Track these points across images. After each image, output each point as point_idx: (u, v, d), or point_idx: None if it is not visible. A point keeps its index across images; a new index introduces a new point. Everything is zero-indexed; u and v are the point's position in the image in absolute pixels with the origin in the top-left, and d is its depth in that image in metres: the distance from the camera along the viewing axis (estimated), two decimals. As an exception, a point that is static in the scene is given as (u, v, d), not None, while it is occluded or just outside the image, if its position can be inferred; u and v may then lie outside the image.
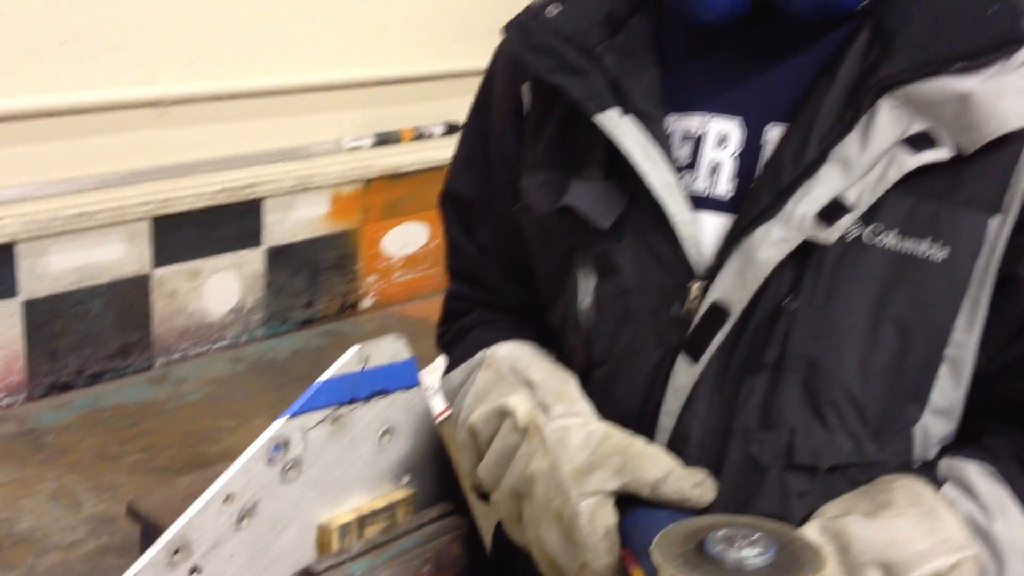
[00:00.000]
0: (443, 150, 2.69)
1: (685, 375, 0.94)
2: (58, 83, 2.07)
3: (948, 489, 0.90)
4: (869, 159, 0.89)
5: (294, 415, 1.07)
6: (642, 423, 0.97)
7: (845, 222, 0.88)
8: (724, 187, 0.96)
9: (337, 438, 1.09)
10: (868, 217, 0.90)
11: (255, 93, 2.39)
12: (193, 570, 0.95)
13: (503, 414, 0.99)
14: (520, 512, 0.96)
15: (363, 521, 1.09)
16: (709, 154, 0.98)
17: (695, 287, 0.94)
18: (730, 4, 0.93)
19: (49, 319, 2.07)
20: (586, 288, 1.02)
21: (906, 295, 0.90)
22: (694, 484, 0.90)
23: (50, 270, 2.06)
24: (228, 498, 1.00)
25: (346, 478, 1.10)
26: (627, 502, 0.91)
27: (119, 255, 2.16)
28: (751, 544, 0.77)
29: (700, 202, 0.97)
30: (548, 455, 0.93)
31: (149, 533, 0.96)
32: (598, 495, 0.91)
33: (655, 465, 0.92)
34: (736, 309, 0.91)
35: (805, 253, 0.90)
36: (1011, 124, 0.87)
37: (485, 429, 1.00)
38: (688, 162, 0.98)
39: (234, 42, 2.33)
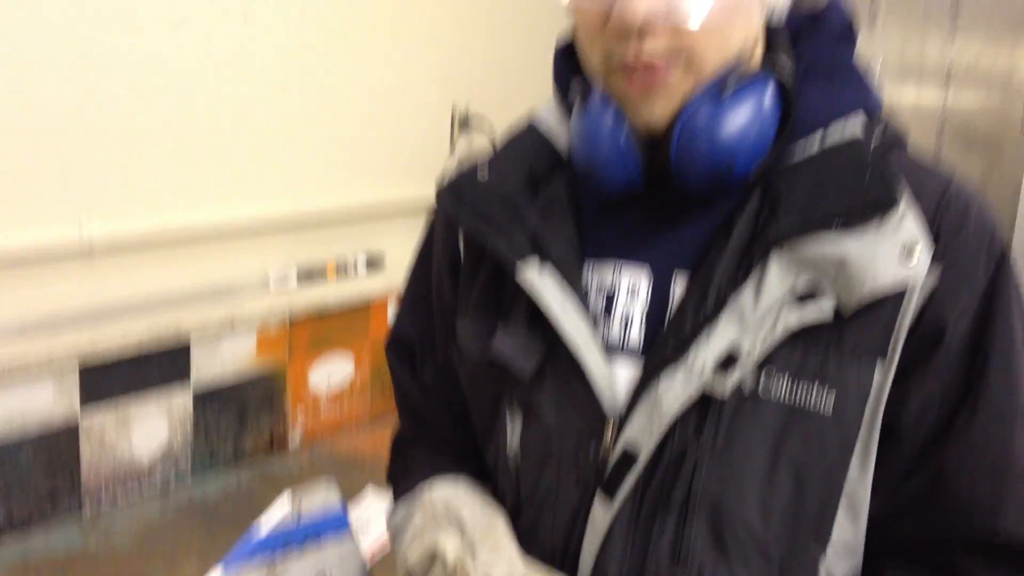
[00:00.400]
0: (366, 285, 2.76)
1: (602, 515, 1.01)
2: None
3: None
4: (762, 311, 0.95)
5: (230, 566, 1.11)
6: (565, 562, 1.04)
7: (738, 373, 0.95)
8: (635, 335, 1.04)
9: (272, 583, 1.12)
10: (762, 368, 0.96)
11: (181, 233, 2.43)
12: None
13: (434, 556, 1.04)
14: None
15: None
16: (622, 305, 1.06)
17: (608, 431, 1.01)
18: (625, 181, 1.02)
19: (-24, 469, 2.04)
20: (513, 430, 1.10)
21: (799, 444, 0.96)
22: None
23: (-23, 420, 2.04)
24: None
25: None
26: None
27: (48, 402, 2.14)
28: None
29: (614, 350, 1.05)
30: None
31: None
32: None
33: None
34: (644, 452, 0.98)
35: (707, 400, 0.97)
36: (884, 286, 0.94)
37: (419, 571, 1.06)
38: (603, 312, 1.07)
39: (160, 183, 2.37)
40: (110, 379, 2.25)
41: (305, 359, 2.66)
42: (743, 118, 0.97)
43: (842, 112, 1.01)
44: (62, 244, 2.21)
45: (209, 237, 2.49)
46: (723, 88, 0.97)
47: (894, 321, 0.95)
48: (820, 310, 0.95)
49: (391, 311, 2.86)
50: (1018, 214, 2.35)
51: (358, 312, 2.77)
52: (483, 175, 1.13)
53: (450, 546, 1.05)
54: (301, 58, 2.58)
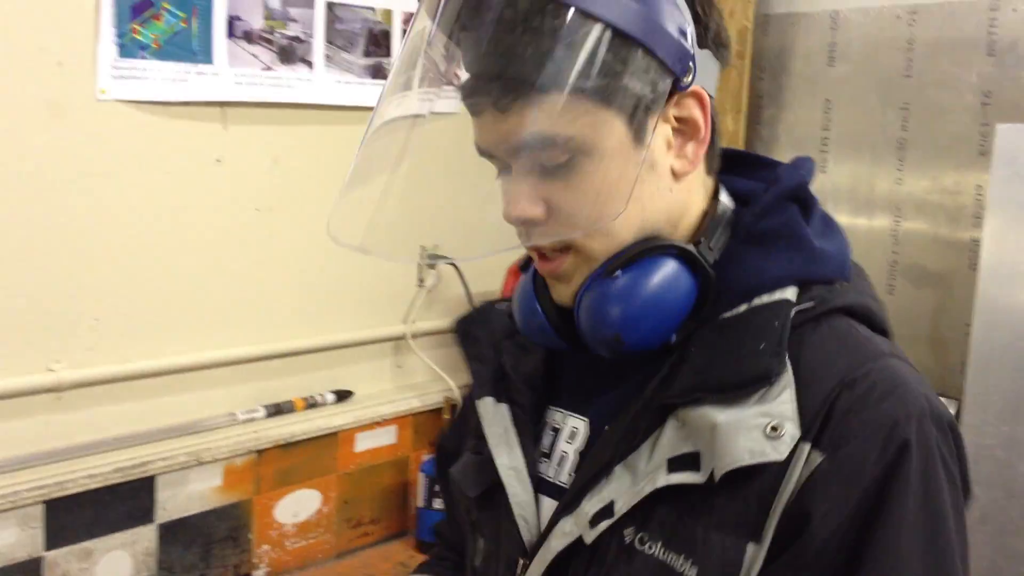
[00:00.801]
0: (334, 418, 2.81)
1: None
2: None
3: None
4: (650, 470, 0.98)
5: None
6: None
7: (603, 526, 0.99)
8: (566, 476, 1.11)
9: None
10: (640, 524, 0.99)
11: (149, 374, 2.49)
12: None
13: None
14: None
15: None
16: (561, 446, 1.13)
17: (520, 564, 1.08)
18: (547, 344, 1.12)
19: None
20: (476, 548, 1.20)
21: None
22: None
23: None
24: None
25: None
26: None
27: (11, 540, 2.17)
28: None
29: (546, 487, 1.13)
30: None
31: None
32: None
33: None
34: None
35: (592, 549, 1.01)
36: (742, 460, 0.92)
37: None
38: (547, 451, 1.14)
39: (129, 326, 2.45)
40: (74, 517, 2.28)
41: (272, 492, 2.69)
42: (627, 294, 1.00)
43: (773, 280, 1.00)
44: (31, 386, 2.27)
45: (177, 376, 2.55)
46: (608, 271, 1.01)
47: (769, 503, 0.92)
48: (686, 476, 0.95)
49: (358, 443, 2.91)
50: (970, 348, 2.41)
51: (326, 443, 2.82)
52: (502, 307, 1.25)
53: None
54: (271, 202, 2.69)
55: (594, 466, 1.04)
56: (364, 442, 2.94)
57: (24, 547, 2.19)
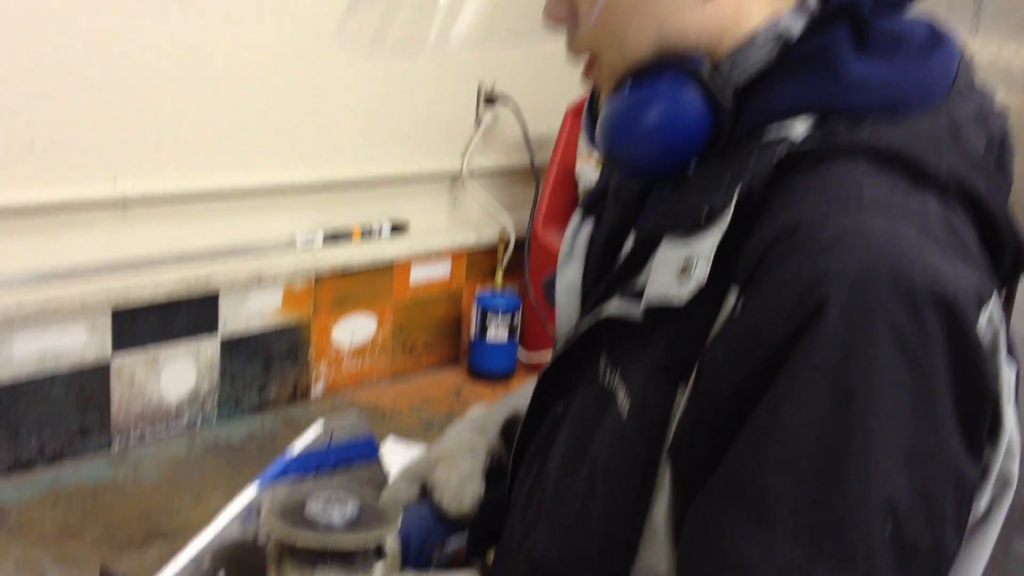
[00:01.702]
0: (389, 248, 2.85)
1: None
2: (27, 182, 2.20)
3: None
4: (640, 285, 0.94)
5: (265, 484, 1.20)
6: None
7: (563, 347, 1.05)
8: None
9: (303, 504, 1.21)
10: (612, 356, 0.97)
11: (213, 193, 2.53)
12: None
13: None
14: None
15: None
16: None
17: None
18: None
19: (11, 402, 2.15)
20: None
21: (600, 439, 0.95)
22: (451, 498, 1.18)
23: (13, 357, 2.15)
24: (206, 555, 1.12)
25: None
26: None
27: (81, 343, 2.25)
28: (340, 506, 1.00)
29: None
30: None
31: None
32: (414, 478, 1.23)
33: (445, 471, 1.21)
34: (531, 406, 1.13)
35: (574, 369, 1.05)
36: (650, 300, 0.88)
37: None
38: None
39: (193, 145, 2.47)
40: (141, 325, 2.36)
41: (329, 315, 2.75)
42: (616, 114, 0.95)
43: (782, 109, 0.90)
44: (97, 198, 2.32)
45: (239, 198, 2.59)
46: (616, 86, 0.98)
47: (698, 346, 0.85)
48: (629, 308, 0.92)
49: (413, 274, 2.95)
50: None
51: (382, 272, 2.86)
52: None
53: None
54: (333, 28, 2.68)
55: (600, 290, 1.03)
56: (419, 274, 2.98)
57: (93, 350, 2.27)
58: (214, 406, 2.54)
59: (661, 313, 0.87)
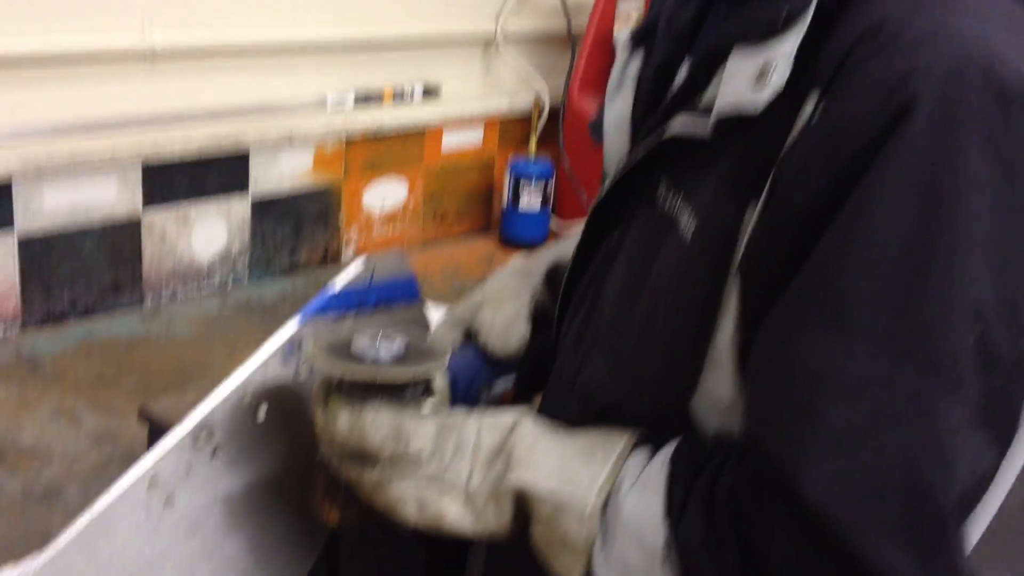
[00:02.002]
0: (421, 112, 2.78)
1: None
2: (53, 29, 2.13)
3: (633, 453, 0.87)
4: (708, 100, 0.88)
5: (306, 319, 1.16)
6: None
7: (627, 164, 0.97)
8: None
9: (346, 343, 1.18)
10: (671, 176, 0.92)
11: (243, 48, 2.46)
12: (214, 453, 1.04)
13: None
14: None
15: (370, 419, 1.18)
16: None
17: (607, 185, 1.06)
18: None
19: (43, 254, 2.13)
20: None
21: (662, 264, 0.90)
22: (497, 338, 1.14)
23: (45, 208, 2.12)
24: (248, 388, 1.09)
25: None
26: None
27: (111, 197, 2.22)
28: (388, 342, 0.94)
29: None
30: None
31: (158, 436, 1.05)
32: (457, 321, 1.19)
33: (490, 313, 1.16)
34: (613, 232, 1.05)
35: (630, 198, 0.99)
36: (723, 110, 0.83)
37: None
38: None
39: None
40: (171, 181, 2.32)
41: (360, 179, 2.71)
42: None
43: None
44: (125, 48, 2.25)
45: (270, 54, 2.52)
46: None
47: (772, 157, 0.80)
48: (696, 125, 0.87)
49: (445, 140, 2.89)
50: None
51: (413, 137, 2.80)
52: None
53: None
54: None
55: (657, 116, 0.96)
56: (451, 140, 2.92)
57: (124, 205, 2.24)
58: (245, 267, 2.51)
59: (732, 126, 0.83)
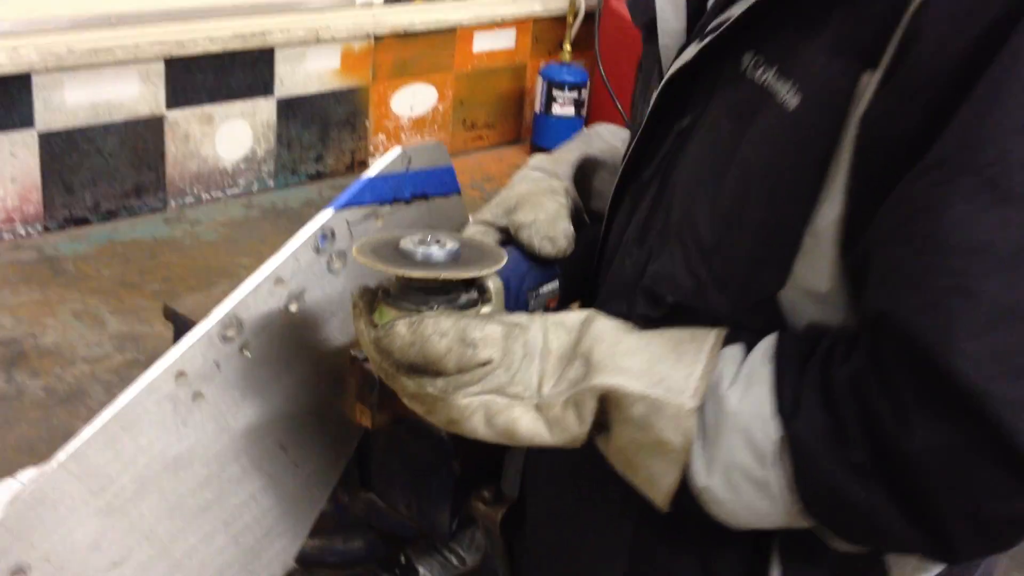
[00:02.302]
0: (453, 13, 2.68)
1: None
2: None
3: (725, 349, 0.81)
4: None
5: (340, 208, 1.10)
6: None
7: (710, 39, 0.85)
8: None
9: (381, 236, 1.11)
10: (758, 46, 0.84)
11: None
12: (243, 348, 0.98)
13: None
14: None
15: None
16: None
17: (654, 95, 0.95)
18: None
19: (64, 152, 2.07)
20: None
21: (756, 139, 0.84)
22: (543, 236, 0.98)
23: (66, 104, 2.06)
24: (278, 281, 1.03)
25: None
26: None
27: (134, 94, 2.15)
28: (438, 244, 0.84)
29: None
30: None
31: (183, 335, 0.99)
32: (487, 225, 1.01)
33: (530, 211, 1.01)
34: (642, 119, 0.93)
35: (702, 79, 0.90)
36: None
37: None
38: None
39: None
40: (195, 79, 2.25)
41: (388, 83, 2.63)
42: None
43: None
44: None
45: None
46: None
47: (892, 23, 0.75)
48: None
49: (476, 43, 2.79)
50: None
51: (444, 38, 2.71)
52: None
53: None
54: None
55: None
56: (482, 42, 2.82)
57: (147, 103, 2.17)
58: (271, 172, 2.45)
59: None
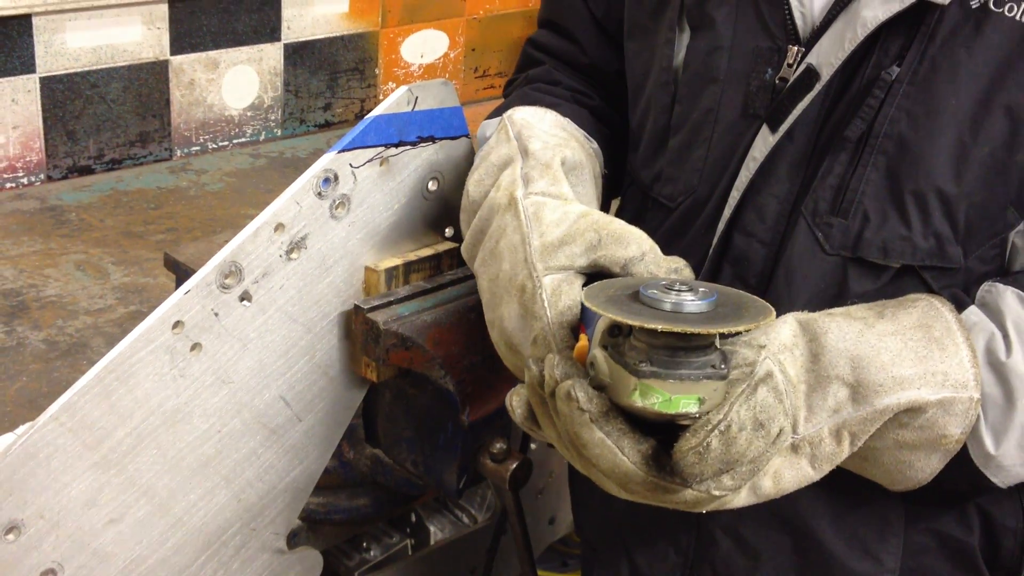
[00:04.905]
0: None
1: (762, 146, 0.88)
2: None
3: (970, 313, 0.79)
4: None
5: (343, 150, 1.06)
6: (712, 196, 0.93)
7: None
8: None
9: (385, 180, 1.07)
10: None
11: None
12: (243, 297, 0.95)
13: (492, 183, 0.95)
14: (482, 291, 0.91)
15: (409, 267, 1.09)
16: None
17: (793, 52, 0.88)
18: None
19: (67, 99, 2.04)
20: (680, 44, 0.97)
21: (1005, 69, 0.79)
22: (671, 268, 0.84)
23: (68, 48, 2.02)
24: (279, 227, 0.99)
25: (392, 223, 1.09)
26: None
27: (137, 38, 2.11)
28: (691, 292, 0.71)
29: None
30: (520, 230, 0.87)
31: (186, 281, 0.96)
32: (566, 271, 0.85)
33: (631, 244, 0.85)
34: (825, 73, 0.84)
35: (919, 18, 0.81)
36: None
37: (475, 194, 0.97)
38: None
39: None
40: (200, 24, 2.21)
41: (398, 28, 2.58)
42: None
43: None
44: None
45: None
46: None
47: None
48: None
49: (489, -12, 2.73)
50: None
51: (456, -15, 2.65)
52: None
53: (507, 176, 0.94)
54: None
55: None
56: (495, -12, 2.77)
57: (151, 47, 2.13)
58: (278, 121, 2.41)
59: None
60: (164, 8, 2.13)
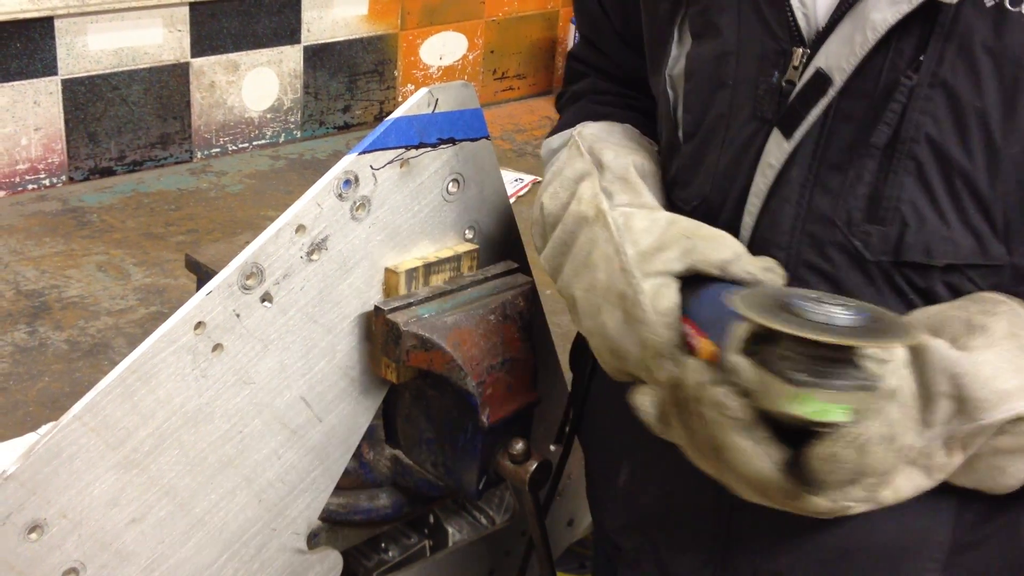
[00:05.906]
0: (485, -43, 2.62)
1: (777, 153, 0.87)
2: None
3: None
4: None
5: (364, 152, 1.06)
6: (726, 204, 0.93)
7: None
8: None
9: (405, 182, 1.07)
10: None
11: None
12: (264, 298, 0.95)
13: (570, 197, 0.95)
14: (575, 301, 0.92)
15: (429, 269, 1.09)
16: None
17: (799, 54, 0.86)
18: None
19: (88, 101, 2.04)
20: (680, 50, 0.97)
21: None
22: (764, 268, 0.85)
23: (89, 50, 2.03)
24: (300, 228, 0.99)
25: (412, 225, 1.09)
26: (692, 288, 0.87)
27: (158, 41, 2.12)
28: (841, 306, 0.72)
29: None
30: (612, 240, 0.89)
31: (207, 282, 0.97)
32: (663, 276, 0.86)
33: (723, 247, 0.87)
34: (838, 78, 0.83)
35: (931, 18, 0.80)
36: None
37: (552, 208, 0.97)
38: None
39: None
40: (220, 26, 2.21)
41: (417, 31, 2.58)
42: None
43: None
44: None
45: None
46: None
47: None
48: None
49: (508, -10, 2.73)
50: None
51: (474, -14, 2.65)
52: None
53: (587, 189, 0.96)
54: None
55: None
56: (514, -11, 2.77)
57: (172, 50, 2.14)
58: (298, 123, 2.42)
59: None
60: (185, 11, 2.14)
